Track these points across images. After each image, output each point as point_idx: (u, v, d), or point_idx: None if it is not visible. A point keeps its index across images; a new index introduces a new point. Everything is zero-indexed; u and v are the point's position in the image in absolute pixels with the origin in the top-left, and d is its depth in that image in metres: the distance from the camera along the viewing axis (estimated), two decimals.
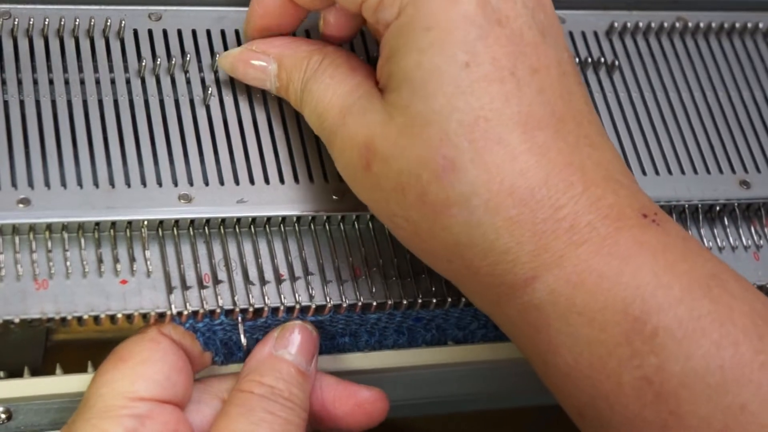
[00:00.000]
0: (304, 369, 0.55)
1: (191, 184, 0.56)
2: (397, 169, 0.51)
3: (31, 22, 0.57)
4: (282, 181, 0.57)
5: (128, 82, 0.57)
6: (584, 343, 0.50)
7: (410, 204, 0.51)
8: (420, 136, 0.51)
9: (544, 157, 0.51)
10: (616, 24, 0.65)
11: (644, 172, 0.61)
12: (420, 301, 0.57)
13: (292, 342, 0.55)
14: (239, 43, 0.59)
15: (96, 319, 0.53)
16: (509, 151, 0.50)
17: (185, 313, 0.53)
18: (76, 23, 0.58)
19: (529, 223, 0.50)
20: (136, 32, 0.59)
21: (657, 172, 0.61)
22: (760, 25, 0.67)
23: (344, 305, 0.56)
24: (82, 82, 0.57)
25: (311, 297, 0.55)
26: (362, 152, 0.52)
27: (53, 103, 0.56)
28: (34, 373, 0.56)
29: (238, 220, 0.56)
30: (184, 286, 0.54)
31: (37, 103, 0.56)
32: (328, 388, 0.56)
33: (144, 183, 0.55)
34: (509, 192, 0.50)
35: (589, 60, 0.64)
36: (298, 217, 0.57)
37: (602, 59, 0.64)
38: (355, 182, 0.54)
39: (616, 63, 0.64)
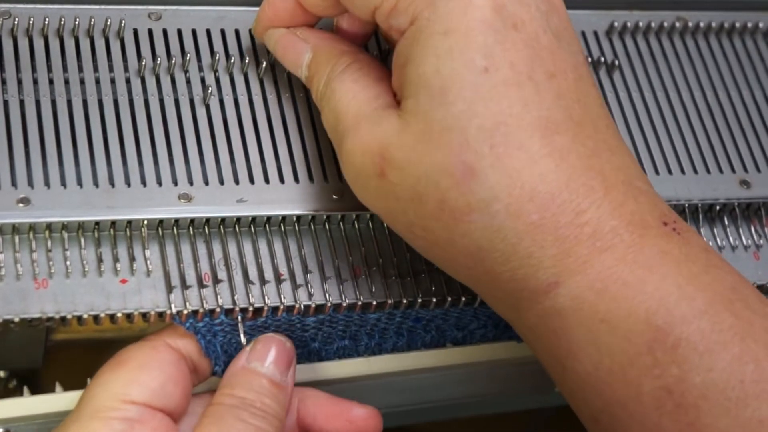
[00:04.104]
0: (279, 380, 0.54)
1: (191, 183, 0.56)
2: (414, 176, 0.51)
3: (31, 22, 0.57)
4: (282, 180, 0.57)
5: (128, 81, 0.57)
6: (606, 350, 0.50)
7: (428, 212, 0.51)
8: (439, 142, 0.50)
9: (564, 161, 0.50)
10: (616, 24, 0.65)
11: (645, 172, 0.61)
12: (420, 300, 0.57)
13: (265, 355, 0.54)
14: (239, 43, 0.60)
15: (96, 318, 0.53)
16: (529, 156, 0.50)
17: (185, 312, 0.54)
18: (76, 23, 0.58)
19: (551, 228, 0.50)
20: (136, 32, 0.59)
21: (657, 172, 0.61)
22: (760, 25, 0.67)
23: (344, 304, 0.56)
24: (82, 82, 0.57)
25: (311, 296, 0.55)
26: (376, 160, 0.52)
27: (53, 102, 0.56)
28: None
29: (238, 219, 0.56)
30: (184, 286, 0.54)
31: (37, 102, 0.56)
32: (320, 404, 0.56)
33: (144, 182, 0.55)
34: (530, 197, 0.50)
35: (589, 60, 0.64)
36: (298, 217, 0.57)
37: (602, 59, 0.64)
38: (366, 191, 0.53)
39: (616, 63, 0.64)
